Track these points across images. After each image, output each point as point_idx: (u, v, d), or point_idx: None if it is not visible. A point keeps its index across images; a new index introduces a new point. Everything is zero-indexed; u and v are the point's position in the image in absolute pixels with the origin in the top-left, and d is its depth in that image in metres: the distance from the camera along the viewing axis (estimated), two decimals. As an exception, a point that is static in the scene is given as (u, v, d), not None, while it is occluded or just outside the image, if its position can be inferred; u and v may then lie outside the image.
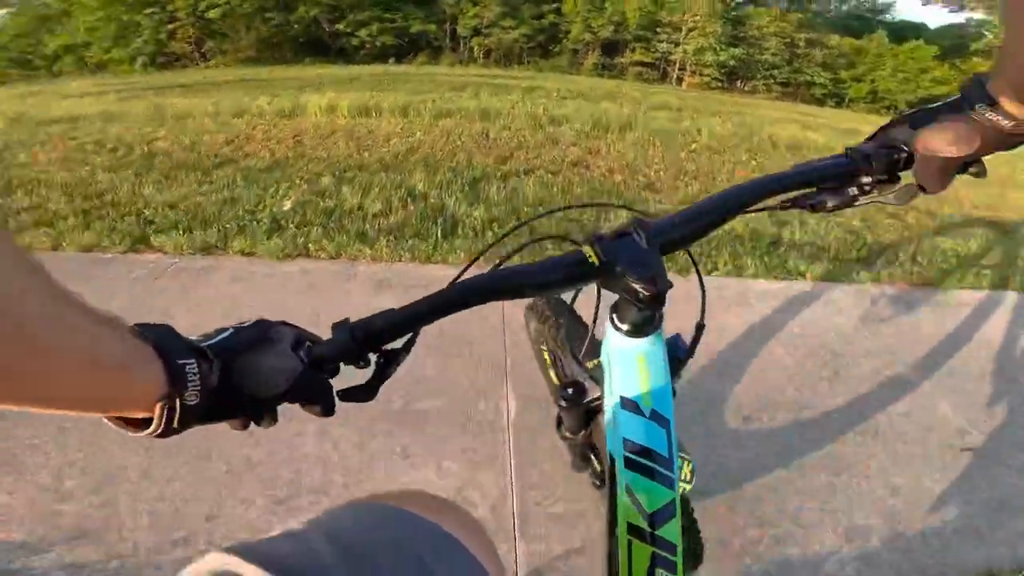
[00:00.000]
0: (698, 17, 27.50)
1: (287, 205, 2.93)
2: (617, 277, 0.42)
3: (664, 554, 0.44)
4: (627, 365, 0.46)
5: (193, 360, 0.35)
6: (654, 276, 0.41)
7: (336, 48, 28.81)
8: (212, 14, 26.45)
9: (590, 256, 0.42)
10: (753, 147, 5.56)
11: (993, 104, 0.43)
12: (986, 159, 0.49)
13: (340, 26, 28.52)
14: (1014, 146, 0.45)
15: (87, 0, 26.55)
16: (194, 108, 5.88)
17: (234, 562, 0.34)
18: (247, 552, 0.35)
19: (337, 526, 0.43)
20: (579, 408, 0.65)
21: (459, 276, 0.44)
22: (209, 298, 2.09)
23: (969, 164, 0.48)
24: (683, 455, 0.62)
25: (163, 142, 4.47)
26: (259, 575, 0.33)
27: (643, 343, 0.46)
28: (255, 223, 2.69)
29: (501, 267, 0.43)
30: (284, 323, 0.42)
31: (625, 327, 0.46)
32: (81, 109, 6.15)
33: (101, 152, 4.14)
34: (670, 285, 0.42)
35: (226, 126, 5.04)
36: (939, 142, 0.45)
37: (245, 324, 0.40)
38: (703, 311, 0.56)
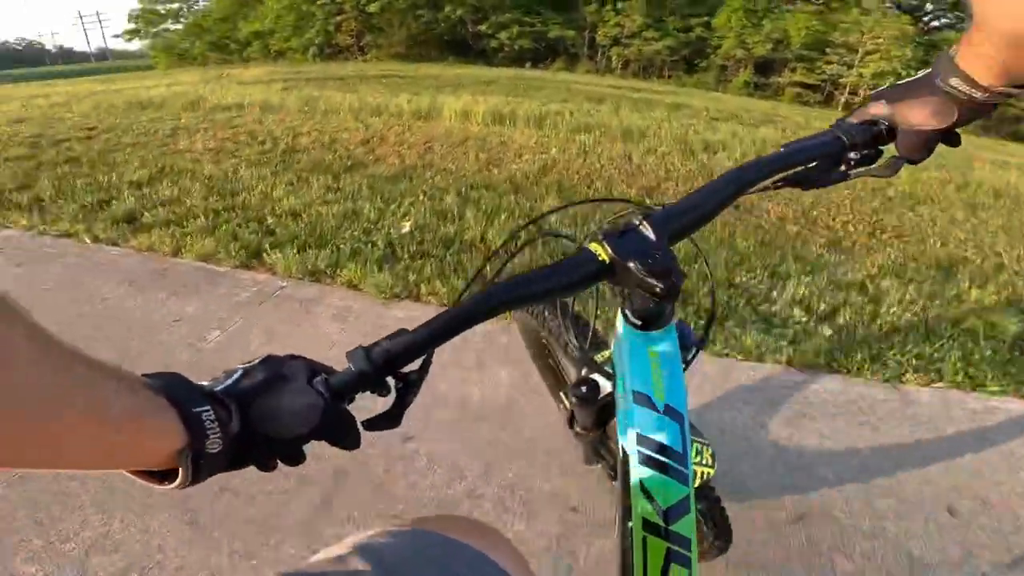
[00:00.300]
0: (880, 40, 24.06)
1: (405, 228, 2.65)
2: (629, 272, 0.41)
3: (679, 549, 0.43)
4: (640, 360, 0.46)
5: (208, 407, 0.34)
6: (668, 269, 0.41)
7: (477, 49, 29.78)
8: (372, 8, 28.54)
9: (599, 254, 0.42)
10: (970, 196, 4.31)
11: (964, 77, 0.45)
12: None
13: (482, 27, 29.41)
14: (987, 114, 0.48)
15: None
16: (341, 103, 6.05)
17: None
18: None
19: (378, 550, 0.43)
20: (594, 405, 0.62)
21: (465, 289, 0.45)
22: (306, 336, 1.83)
23: (948, 135, 0.50)
24: (701, 440, 0.60)
25: (306, 138, 4.54)
26: None
27: (655, 337, 0.46)
28: (370, 245, 2.44)
29: (512, 276, 0.42)
30: (292, 356, 0.41)
31: (638, 321, 0.46)
32: (249, 97, 6.65)
33: (252, 144, 4.28)
34: (685, 276, 0.43)
35: (365, 124, 5.05)
36: (920, 116, 0.49)
37: (254, 363, 0.39)
38: (713, 301, 0.73)
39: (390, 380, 0.39)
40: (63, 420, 0.26)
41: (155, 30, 33.03)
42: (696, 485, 0.59)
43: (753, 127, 7.12)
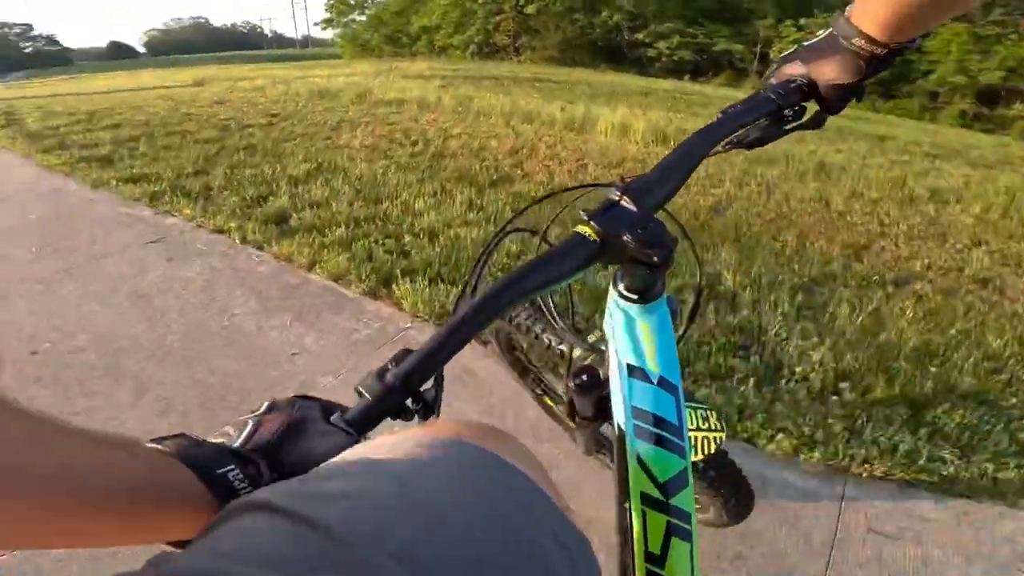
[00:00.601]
0: None
1: None
2: (622, 247, 0.42)
3: (678, 523, 0.43)
4: (633, 333, 0.46)
5: (232, 466, 0.32)
6: (660, 236, 0.42)
7: (632, 57, 28.71)
8: (530, 9, 28.85)
9: (589, 235, 0.42)
10: None
11: (862, 35, 0.50)
12: None
13: (640, 35, 28.26)
14: (889, 66, 0.52)
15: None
16: (494, 106, 5.91)
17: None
18: (290, 499, 0.27)
19: (393, 461, 0.34)
20: (594, 393, 0.60)
21: (460, 295, 0.46)
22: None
23: (857, 88, 0.54)
24: (702, 406, 0.60)
25: (456, 141, 4.40)
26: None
27: (648, 309, 0.46)
28: (508, 287, 2.08)
29: (507, 273, 0.41)
30: (299, 397, 0.39)
31: (633, 296, 0.46)
32: (409, 93, 6.84)
33: (404, 144, 4.24)
34: (676, 241, 0.43)
35: (515, 132, 4.80)
36: (832, 72, 0.53)
37: (261, 411, 0.37)
38: (701, 274, 0.60)
39: (408, 403, 0.38)
40: (69, 499, 0.26)
41: (344, 20, 36.27)
42: (711, 451, 0.59)
43: (986, 169, 5.59)
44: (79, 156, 3.82)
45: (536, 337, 0.82)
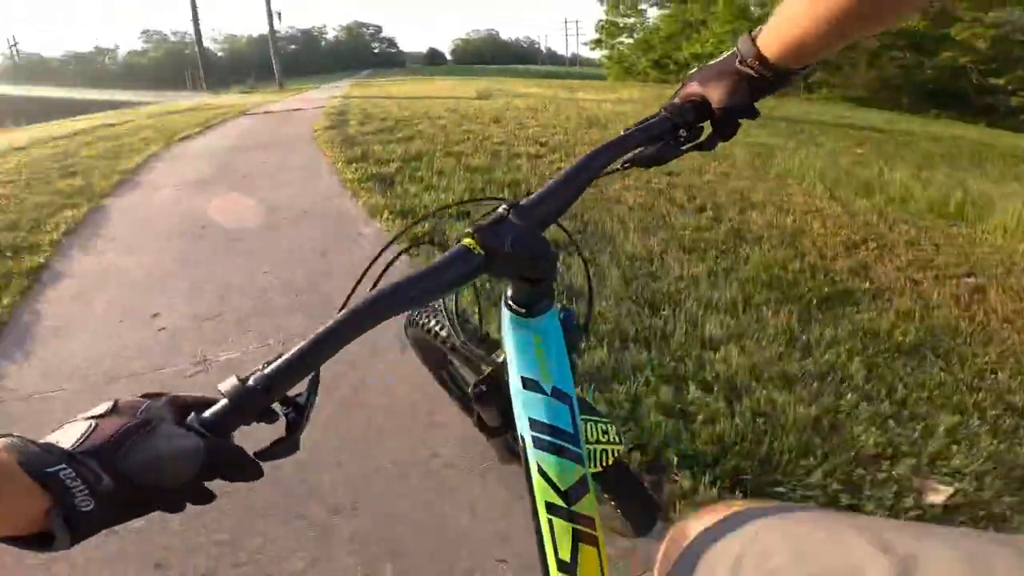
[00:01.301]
0: None
1: (939, 498, 1.10)
2: (505, 261, 0.42)
3: (584, 529, 0.44)
4: (525, 345, 0.47)
5: (64, 466, 0.30)
6: (542, 253, 0.43)
7: (979, 105, 21.95)
8: (833, 41, 24.47)
9: (473, 248, 0.42)
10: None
11: (758, 56, 0.49)
12: None
13: (999, 80, 21.35)
14: (775, 91, 0.52)
15: (722, 13, 28.70)
16: (804, 163, 4.54)
17: None
18: None
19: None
20: (495, 403, 0.61)
21: (345, 303, 0.42)
22: None
23: (746, 110, 0.53)
24: (603, 419, 0.60)
25: (758, 215, 3.27)
26: None
27: (538, 322, 0.48)
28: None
29: (387, 283, 0.41)
30: (148, 395, 0.37)
31: (521, 309, 0.48)
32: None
33: (687, 209, 3.32)
34: (557, 257, 0.44)
35: (845, 208, 3.43)
36: (718, 94, 0.53)
37: (98, 412, 0.34)
38: (590, 287, 0.62)
39: (277, 407, 0.37)
40: None
41: (613, 42, 36.94)
42: (609, 463, 0.60)
43: None
44: (370, 173, 4.01)
45: (447, 343, 0.81)
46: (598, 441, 0.59)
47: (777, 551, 0.38)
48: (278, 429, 0.38)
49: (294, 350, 0.36)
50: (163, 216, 3.59)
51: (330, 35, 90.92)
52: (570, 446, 0.45)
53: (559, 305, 0.51)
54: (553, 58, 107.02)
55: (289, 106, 10.75)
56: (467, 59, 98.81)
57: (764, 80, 0.50)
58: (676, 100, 0.55)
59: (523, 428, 0.47)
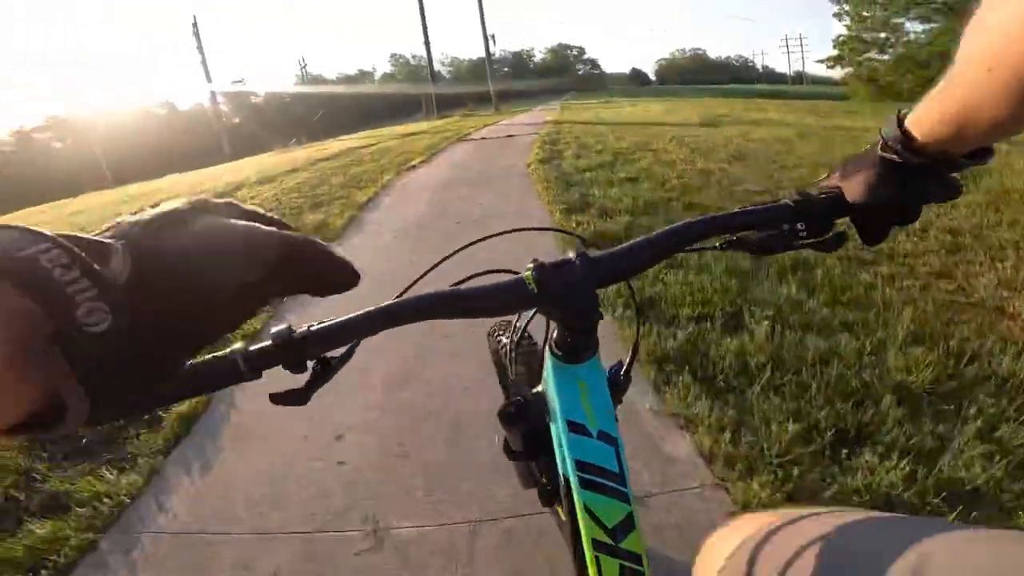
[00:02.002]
0: None
1: None
2: (552, 305, 0.44)
3: (631, 565, 0.46)
4: (569, 389, 0.48)
5: (49, 246, 0.18)
6: (584, 308, 0.43)
7: None
8: None
9: (529, 283, 0.43)
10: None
11: (905, 139, 0.40)
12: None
13: None
14: (942, 187, 0.42)
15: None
16: None
17: None
18: None
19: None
20: (520, 428, 0.62)
21: (404, 292, 0.45)
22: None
23: (902, 213, 0.45)
24: None
25: None
26: None
27: (582, 368, 0.49)
28: None
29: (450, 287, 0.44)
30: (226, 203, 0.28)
31: (561, 353, 0.48)
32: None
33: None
34: (600, 317, 0.44)
35: None
36: (854, 186, 0.45)
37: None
38: (638, 333, 0.65)
39: (310, 364, 0.39)
40: None
41: (859, 59, 32.05)
42: None
43: None
44: (595, 229, 3.36)
45: (503, 361, 0.85)
46: None
47: (834, 559, 0.37)
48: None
49: (343, 319, 0.39)
50: (375, 278, 3.47)
51: (537, 57, 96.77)
52: (617, 486, 0.46)
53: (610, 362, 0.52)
54: (771, 77, 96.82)
55: (503, 131, 11.05)
56: (672, 79, 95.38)
57: (916, 169, 0.41)
58: (812, 190, 0.49)
59: (570, 470, 0.47)
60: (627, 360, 0.58)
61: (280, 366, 0.37)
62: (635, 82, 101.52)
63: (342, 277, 0.29)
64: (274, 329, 0.38)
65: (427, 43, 30.97)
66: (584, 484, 0.46)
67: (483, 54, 31.17)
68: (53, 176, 27.28)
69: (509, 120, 15.68)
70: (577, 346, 0.48)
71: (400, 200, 5.24)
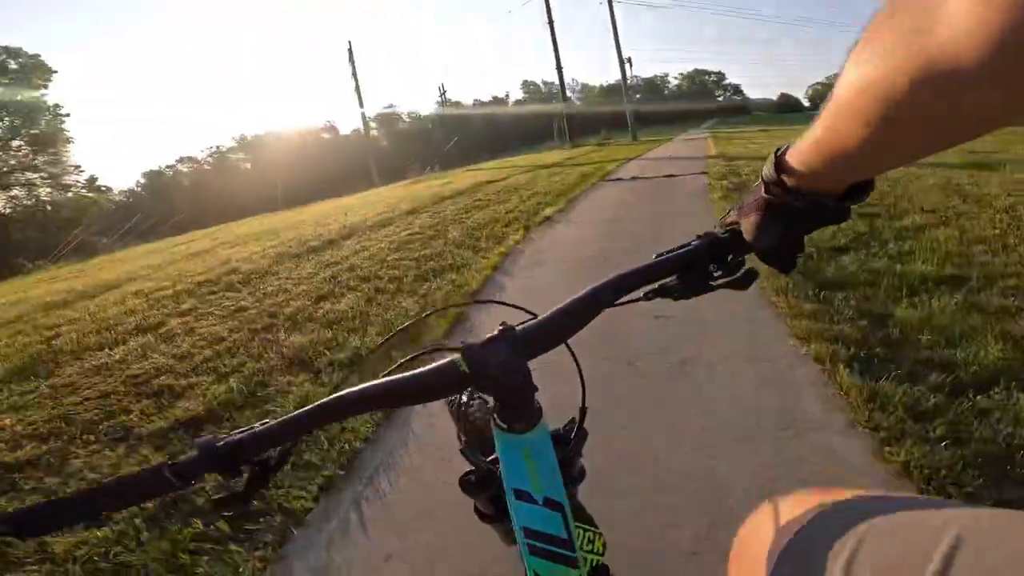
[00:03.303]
0: None
1: None
2: (488, 383, 0.45)
3: None
4: (514, 459, 0.48)
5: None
6: (518, 384, 0.44)
7: None
8: None
9: (461, 365, 0.44)
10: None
11: (780, 181, 0.41)
12: None
13: None
14: (821, 222, 0.42)
15: None
16: None
17: None
18: None
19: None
20: (480, 494, 0.59)
21: (336, 389, 0.49)
22: None
23: (801, 245, 0.46)
24: (592, 529, 0.59)
25: None
26: None
27: (528, 437, 0.48)
28: None
29: (380, 377, 0.46)
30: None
31: (505, 426, 0.48)
32: None
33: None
34: (535, 389, 0.46)
35: None
36: (749, 231, 0.46)
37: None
38: (583, 397, 0.58)
39: (243, 468, 0.41)
40: None
41: None
42: (596, 566, 0.61)
43: None
44: (847, 355, 1.44)
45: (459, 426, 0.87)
46: (582, 548, 0.57)
47: (876, 541, 0.37)
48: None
49: (272, 423, 0.42)
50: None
51: (671, 83, 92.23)
52: (564, 551, 0.47)
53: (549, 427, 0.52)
54: None
55: (655, 166, 9.13)
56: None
57: (796, 210, 0.41)
58: (717, 229, 0.50)
59: (519, 537, 0.47)
60: (578, 416, 0.57)
61: (214, 473, 0.40)
62: (784, 108, 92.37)
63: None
64: (198, 439, 0.40)
65: (559, 66, 29.98)
66: (531, 551, 0.47)
67: (613, 80, 29.53)
68: (240, 193, 30.94)
69: (655, 151, 13.72)
70: (520, 417, 0.47)
71: (530, 289, 3.62)
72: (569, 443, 0.54)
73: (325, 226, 7.65)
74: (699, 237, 0.50)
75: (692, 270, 0.49)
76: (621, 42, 27.29)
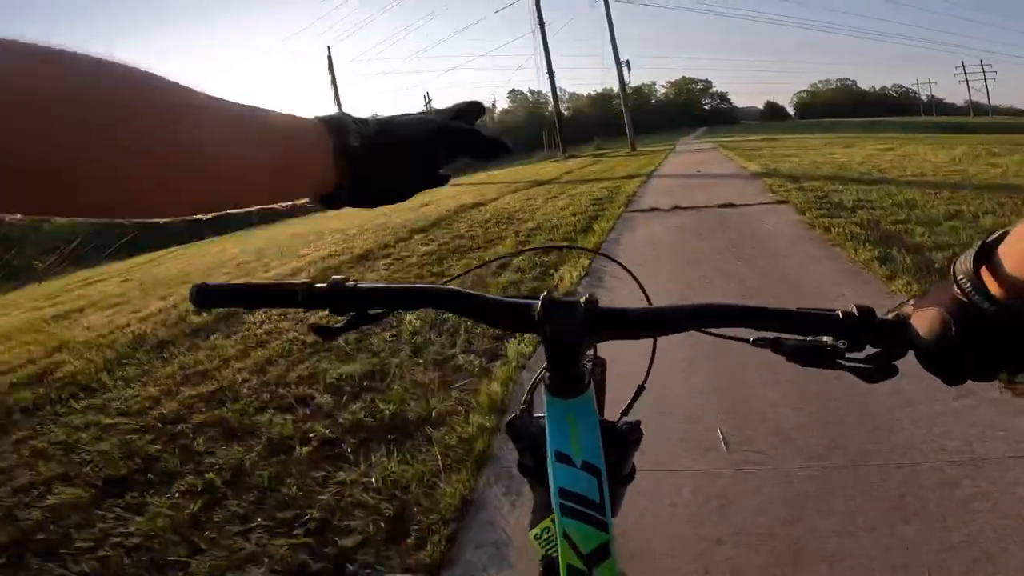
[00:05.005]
0: None
1: None
2: (545, 337, 0.46)
3: None
4: (559, 422, 0.50)
5: (346, 117, 0.40)
6: (572, 346, 0.46)
7: None
8: None
9: (534, 310, 0.46)
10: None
11: (976, 277, 0.34)
12: None
13: None
14: (1004, 332, 0.34)
15: None
16: None
17: None
18: None
19: None
20: (526, 443, 0.61)
21: (447, 282, 0.53)
22: None
23: (985, 369, 0.37)
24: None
25: None
26: None
27: (573, 403, 0.50)
28: None
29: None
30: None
31: (552, 385, 0.50)
32: None
33: None
34: (596, 363, 0.48)
35: None
36: (919, 323, 0.39)
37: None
38: (648, 374, 0.61)
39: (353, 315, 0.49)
40: (194, 177, 0.30)
41: None
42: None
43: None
44: None
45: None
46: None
47: None
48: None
49: (385, 288, 0.48)
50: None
51: (659, 92, 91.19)
52: (596, 514, 0.47)
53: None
54: (940, 108, 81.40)
55: (687, 193, 7.08)
56: (815, 113, 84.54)
57: (993, 317, 0.33)
58: (888, 314, 0.43)
59: (554, 498, 0.48)
60: (631, 398, 0.59)
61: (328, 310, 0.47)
62: (771, 116, 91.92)
63: (492, 147, 0.45)
64: (335, 277, 0.48)
65: (550, 71, 28.12)
66: (564, 511, 0.47)
67: (600, 88, 27.94)
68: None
69: (666, 166, 11.79)
70: (565, 380, 0.48)
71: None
72: (625, 444, 0.54)
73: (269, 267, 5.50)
74: (857, 307, 0.43)
75: (819, 337, 0.43)
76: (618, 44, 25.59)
